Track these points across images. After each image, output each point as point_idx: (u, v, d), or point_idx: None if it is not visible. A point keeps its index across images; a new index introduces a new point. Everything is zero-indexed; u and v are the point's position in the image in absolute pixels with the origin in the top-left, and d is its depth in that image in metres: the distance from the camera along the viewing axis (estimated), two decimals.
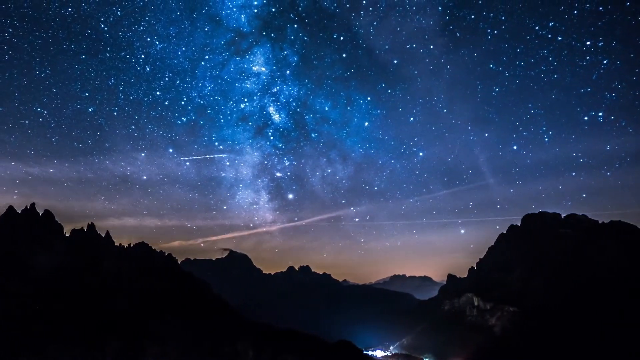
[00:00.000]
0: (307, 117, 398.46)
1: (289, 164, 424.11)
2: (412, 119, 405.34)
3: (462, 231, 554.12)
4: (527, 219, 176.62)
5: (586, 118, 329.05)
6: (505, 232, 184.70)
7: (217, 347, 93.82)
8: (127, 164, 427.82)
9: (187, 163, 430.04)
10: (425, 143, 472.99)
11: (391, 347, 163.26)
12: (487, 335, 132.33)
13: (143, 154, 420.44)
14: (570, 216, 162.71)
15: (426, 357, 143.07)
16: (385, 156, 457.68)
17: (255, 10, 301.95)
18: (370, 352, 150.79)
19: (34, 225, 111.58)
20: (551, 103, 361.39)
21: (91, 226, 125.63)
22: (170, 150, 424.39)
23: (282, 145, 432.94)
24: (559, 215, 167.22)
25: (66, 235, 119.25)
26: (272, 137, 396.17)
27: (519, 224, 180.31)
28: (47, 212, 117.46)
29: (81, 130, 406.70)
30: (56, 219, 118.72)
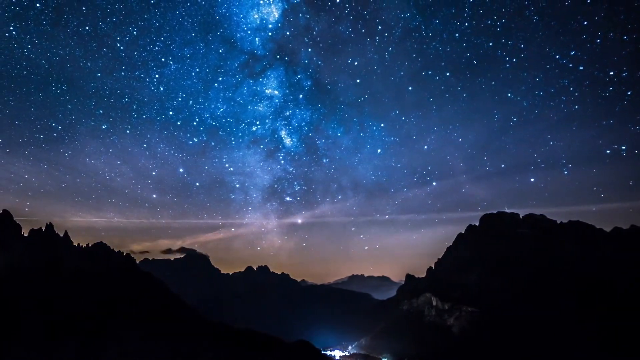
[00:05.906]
0: (318, 142, 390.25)
1: (299, 189, 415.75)
2: (426, 147, 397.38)
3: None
4: (486, 219, 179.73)
5: (608, 151, 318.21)
6: (463, 232, 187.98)
7: (175, 347, 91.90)
8: (137, 182, 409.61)
9: (197, 183, 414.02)
10: (439, 172, 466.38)
11: (349, 347, 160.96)
12: (446, 335, 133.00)
13: (154, 173, 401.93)
14: (529, 216, 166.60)
15: (384, 357, 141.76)
16: (398, 184, 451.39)
17: (270, 34, 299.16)
18: (328, 352, 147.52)
19: None
20: (571, 135, 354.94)
21: (49, 226, 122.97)
22: (181, 170, 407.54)
23: (293, 170, 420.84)
24: (518, 215, 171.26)
25: (24, 235, 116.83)
26: (282, 161, 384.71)
27: (477, 224, 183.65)
28: (5, 212, 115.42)
29: (94, 147, 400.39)
30: (14, 219, 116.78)
